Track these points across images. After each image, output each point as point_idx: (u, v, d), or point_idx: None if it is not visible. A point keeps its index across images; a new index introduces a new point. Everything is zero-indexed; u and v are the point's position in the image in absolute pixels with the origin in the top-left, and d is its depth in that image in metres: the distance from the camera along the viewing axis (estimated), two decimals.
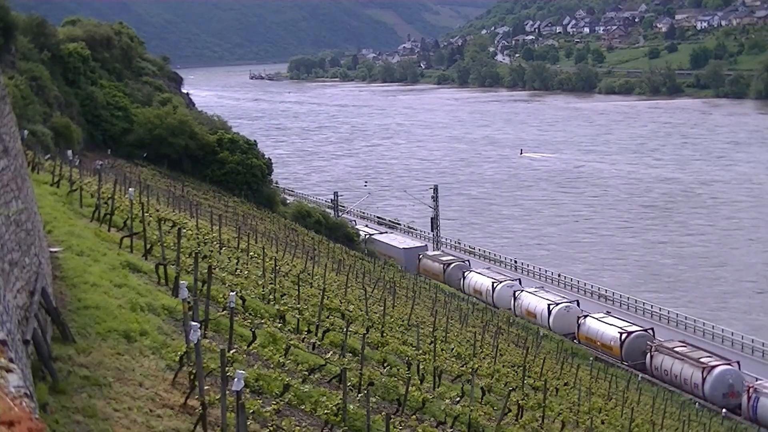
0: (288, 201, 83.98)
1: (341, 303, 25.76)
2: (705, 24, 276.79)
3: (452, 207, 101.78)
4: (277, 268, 25.92)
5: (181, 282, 13.46)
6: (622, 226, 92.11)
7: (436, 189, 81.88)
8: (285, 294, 22.41)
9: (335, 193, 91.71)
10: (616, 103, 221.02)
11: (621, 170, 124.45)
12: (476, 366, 22.68)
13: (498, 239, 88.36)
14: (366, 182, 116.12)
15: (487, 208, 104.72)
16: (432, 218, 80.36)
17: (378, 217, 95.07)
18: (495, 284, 62.91)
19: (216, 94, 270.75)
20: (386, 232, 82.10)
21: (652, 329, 53.28)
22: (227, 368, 10.90)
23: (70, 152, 39.07)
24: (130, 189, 27.77)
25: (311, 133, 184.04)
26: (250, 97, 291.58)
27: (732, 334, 55.18)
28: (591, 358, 48.69)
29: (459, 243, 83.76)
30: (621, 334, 52.04)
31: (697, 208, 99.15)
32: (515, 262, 76.07)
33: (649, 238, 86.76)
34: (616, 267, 77.62)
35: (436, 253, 75.10)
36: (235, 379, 10.15)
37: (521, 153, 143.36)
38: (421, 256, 72.09)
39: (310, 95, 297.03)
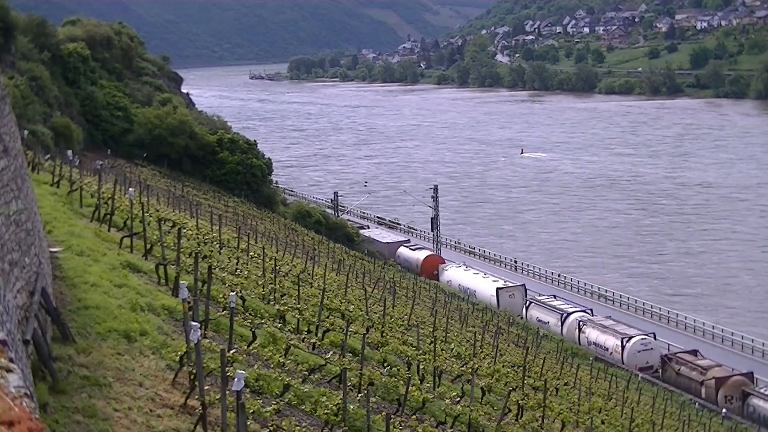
0: (288, 201, 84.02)
1: (341, 303, 25.74)
2: (705, 24, 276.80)
3: (482, 211, 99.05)
4: (277, 268, 25.91)
5: (181, 282, 13.46)
6: (667, 235, 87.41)
7: (436, 189, 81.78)
8: (285, 294, 22.40)
9: (335, 193, 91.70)
10: (629, 103, 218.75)
11: (657, 174, 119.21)
12: (476, 366, 22.67)
13: (530, 246, 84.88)
14: (366, 182, 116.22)
15: (518, 214, 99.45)
16: (432, 218, 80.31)
17: (378, 217, 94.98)
18: None
19: (219, 95, 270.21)
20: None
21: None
22: (227, 368, 10.89)
23: (70, 152, 39.05)
24: (130, 189, 27.77)
25: (328, 135, 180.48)
26: (255, 97, 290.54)
27: None
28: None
29: (459, 243, 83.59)
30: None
31: (745, 214, 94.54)
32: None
33: (692, 246, 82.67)
34: (654, 277, 73.82)
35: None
36: (235, 379, 10.15)
37: (522, 152, 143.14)
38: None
39: (316, 95, 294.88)
